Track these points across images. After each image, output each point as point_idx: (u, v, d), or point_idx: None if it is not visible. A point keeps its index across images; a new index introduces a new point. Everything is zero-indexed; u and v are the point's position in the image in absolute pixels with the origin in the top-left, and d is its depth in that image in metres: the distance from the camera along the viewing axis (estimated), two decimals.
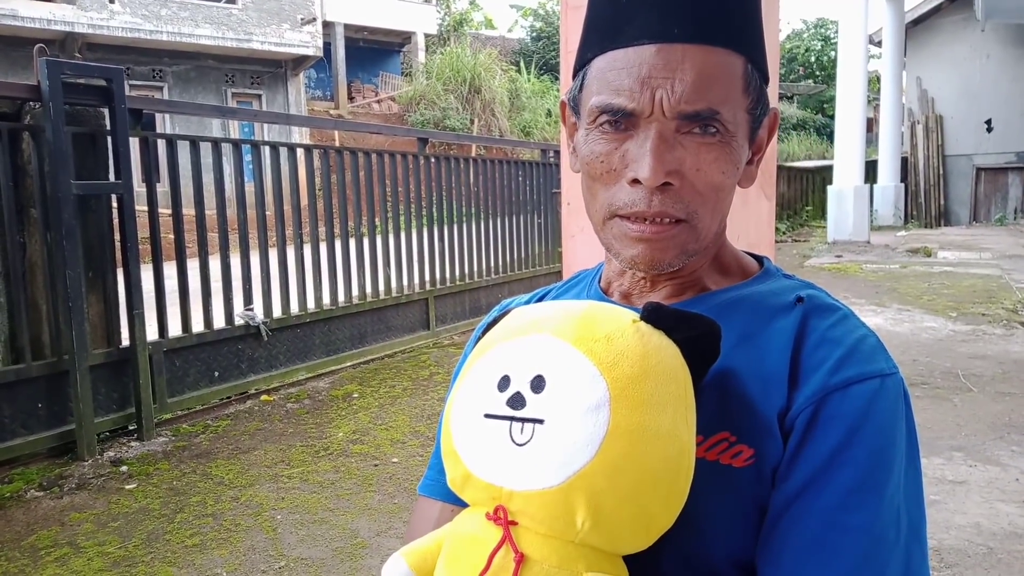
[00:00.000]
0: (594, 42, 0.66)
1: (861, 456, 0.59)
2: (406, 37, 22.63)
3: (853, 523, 0.58)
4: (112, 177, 3.73)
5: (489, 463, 0.56)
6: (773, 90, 1.62)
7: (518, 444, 0.55)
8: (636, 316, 0.61)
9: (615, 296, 0.75)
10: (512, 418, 0.55)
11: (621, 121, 0.63)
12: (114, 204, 3.76)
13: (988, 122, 17.44)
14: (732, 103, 0.64)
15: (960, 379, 4.56)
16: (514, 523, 0.55)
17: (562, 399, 0.55)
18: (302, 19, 16.24)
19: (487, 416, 0.57)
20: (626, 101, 0.62)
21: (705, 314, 0.63)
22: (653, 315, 0.61)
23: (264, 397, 4.45)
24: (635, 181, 0.63)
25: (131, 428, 3.80)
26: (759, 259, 0.77)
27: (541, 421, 0.54)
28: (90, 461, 3.44)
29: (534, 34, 25.91)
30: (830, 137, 15.74)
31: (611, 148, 0.64)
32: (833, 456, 0.59)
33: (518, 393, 0.56)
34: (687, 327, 0.61)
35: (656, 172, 0.62)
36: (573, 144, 0.72)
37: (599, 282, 0.78)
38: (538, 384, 0.56)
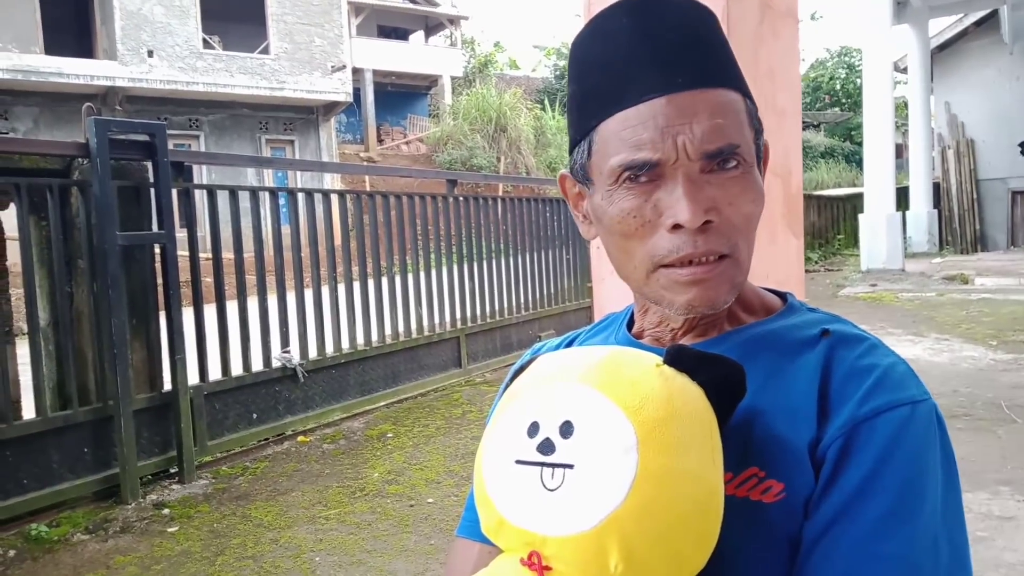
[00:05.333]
0: (595, 110, 0.67)
1: (892, 484, 0.58)
2: (433, 80, 23.14)
3: (886, 552, 0.57)
4: (155, 227, 3.87)
5: (522, 509, 0.56)
6: (796, 119, 1.64)
7: (549, 489, 0.55)
8: (659, 360, 0.62)
9: (647, 341, 0.76)
10: (543, 464, 0.56)
11: (643, 174, 0.64)
12: (157, 252, 3.90)
13: (1021, 144, 17.18)
14: (744, 136, 0.66)
15: (1004, 410, 4.45)
16: (548, 568, 0.55)
17: (591, 444, 0.56)
18: (332, 67, 16.72)
19: (518, 462, 0.58)
20: (650, 153, 0.63)
21: (732, 352, 0.65)
22: (676, 358, 0.61)
23: (301, 438, 4.50)
24: (676, 226, 0.64)
25: (172, 471, 3.88)
26: (782, 295, 0.78)
27: (571, 466, 0.55)
28: (133, 504, 3.52)
29: (557, 73, 26.28)
30: (859, 164, 15.61)
31: (641, 202, 0.65)
32: (863, 485, 0.59)
33: (548, 439, 0.57)
34: (710, 368, 0.61)
35: (696, 213, 0.63)
36: (582, 212, 0.74)
37: (627, 328, 0.79)
38: (567, 429, 0.57)
